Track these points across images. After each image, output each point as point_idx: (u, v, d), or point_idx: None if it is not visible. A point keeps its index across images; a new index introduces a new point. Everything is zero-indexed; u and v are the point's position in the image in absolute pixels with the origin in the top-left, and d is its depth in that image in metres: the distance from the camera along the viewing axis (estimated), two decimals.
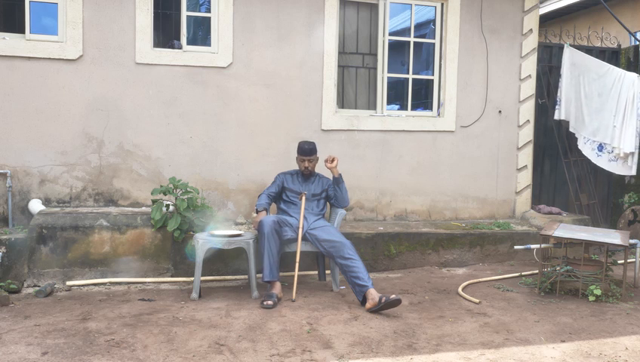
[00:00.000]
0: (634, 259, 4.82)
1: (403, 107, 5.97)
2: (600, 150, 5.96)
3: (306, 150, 4.64)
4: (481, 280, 4.84)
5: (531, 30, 6.03)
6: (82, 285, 4.45)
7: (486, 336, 3.50)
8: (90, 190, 5.04)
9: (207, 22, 5.34)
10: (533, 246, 4.70)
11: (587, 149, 6.06)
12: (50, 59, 4.86)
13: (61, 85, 4.90)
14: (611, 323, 3.80)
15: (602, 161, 5.98)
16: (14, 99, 4.83)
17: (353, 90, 5.87)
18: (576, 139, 6.25)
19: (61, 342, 3.24)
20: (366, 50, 5.87)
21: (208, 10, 5.31)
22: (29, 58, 4.83)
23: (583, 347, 3.35)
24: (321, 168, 4.93)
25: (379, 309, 3.90)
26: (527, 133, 6.12)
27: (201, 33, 5.90)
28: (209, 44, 5.27)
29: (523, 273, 5.04)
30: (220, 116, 5.27)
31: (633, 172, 5.82)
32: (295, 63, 5.43)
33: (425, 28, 6.37)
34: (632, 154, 5.74)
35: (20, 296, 4.17)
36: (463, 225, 5.71)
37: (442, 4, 5.86)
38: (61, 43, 4.89)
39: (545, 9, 9.16)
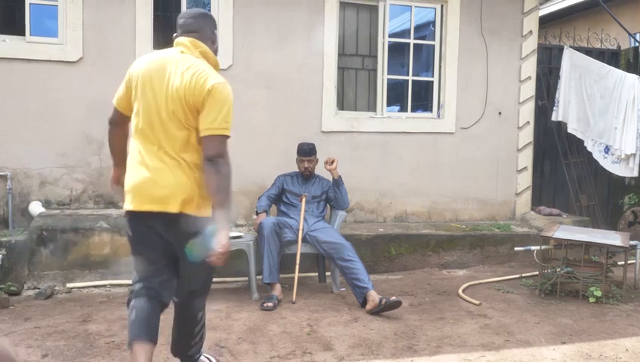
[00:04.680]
0: (634, 261, 4.81)
1: (403, 109, 5.97)
2: (606, 152, 5.97)
3: (306, 150, 4.64)
4: (481, 281, 4.84)
5: (531, 32, 6.03)
6: (82, 287, 4.44)
7: (486, 338, 3.50)
8: (91, 192, 5.03)
9: None
10: (533, 247, 4.70)
11: (595, 151, 6.07)
12: (50, 61, 4.86)
13: (61, 87, 4.90)
14: (612, 324, 3.80)
15: (607, 163, 6.00)
16: (14, 101, 4.82)
17: (353, 91, 5.87)
18: (576, 140, 6.24)
19: (61, 344, 3.24)
20: (366, 51, 5.87)
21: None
22: (29, 60, 4.82)
23: (584, 348, 3.35)
24: (321, 170, 4.93)
25: (379, 311, 3.89)
26: (527, 135, 6.12)
27: None
28: None
29: (523, 274, 5.04)
30: None
31: (635, 173, 5.82)
32: (295, 65, 5.43)
33: (425, 29, 6.37)
34: (634, 155, 5.74)
35: (20, 298, 4.16)
36: (463, 226, 5.70)
37: (442, 6, 5.86)
38: (61, 45, 4.89)
39: (544, 11, 9.15)
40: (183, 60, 2.42)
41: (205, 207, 2.39)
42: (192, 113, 2.35)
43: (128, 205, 2.43)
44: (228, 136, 2.37)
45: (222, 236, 2.27)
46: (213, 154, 2.30)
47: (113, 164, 2.74)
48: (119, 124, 2.59)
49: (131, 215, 2.45)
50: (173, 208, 2.35)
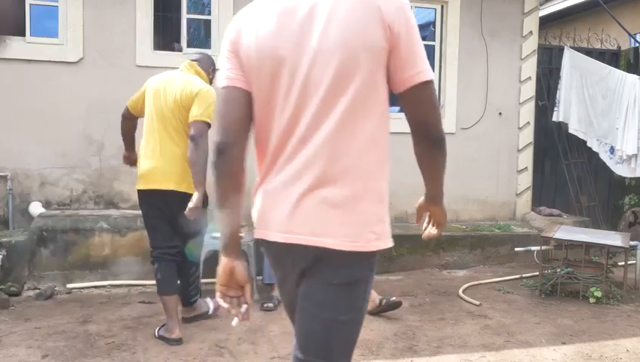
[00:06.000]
0: (634, 261, 4.81)
1: None
2: (611, 153, 5.97)
3: None
4: (481, 282, 4.83)
5: (531, 32, 6.04)
6: (83, 287, 4.44)
7: (487, 338, 3.50)
8: (91, 193, 5.03)
9: (207, 24, 5.34)
10: (533, 248, 4.70)
11: (602, 152, 6.07)
12: (50, 61, 4.86)
13: (61, 88, 4.90)
14: (612, 325, 3.80)
15: (612, 164, 6.01)
16: (14, 101, 4.82)
17: None
18: (577, 140, 6.24)
19: (61, 344, 3.24)
20: None
21: (209, 13, 5.32)
22: (30, 60, 4.83)
23: (584, 349, 3.35)
24: None
25: (379, 311, 3.89)
26: (528, 135, 6.12)
27: (201, 35, 5.90)
28: (210, 47, 5.27)
29: (524, 275, 5.03)
30: None
31: (638, 174, 5.82)
32: None
33: (425, 30, 6.37)
34: (635, 156, 5.74)
35: (20, 299, 4.16)
36: (464, 227, 5.70)
37: (442, 6, 5.86)
38: (61, 46, 4.89)
39: (545, 11, 9.15)
40: (181, 76, 3.37)
41: (191, 186, 3.22)
42: (186, 111, 3.23)
43: (139, 185, 3.34)
44: (209, 124, 3.19)
45: (195, 196, 3.19)
46: (194, 134, 3.15)
47: (125, 148, 3.69)
48: (128, 119, 3.59)
49: (141, 193, 3.35)
50: (167, 186, 3.27)
